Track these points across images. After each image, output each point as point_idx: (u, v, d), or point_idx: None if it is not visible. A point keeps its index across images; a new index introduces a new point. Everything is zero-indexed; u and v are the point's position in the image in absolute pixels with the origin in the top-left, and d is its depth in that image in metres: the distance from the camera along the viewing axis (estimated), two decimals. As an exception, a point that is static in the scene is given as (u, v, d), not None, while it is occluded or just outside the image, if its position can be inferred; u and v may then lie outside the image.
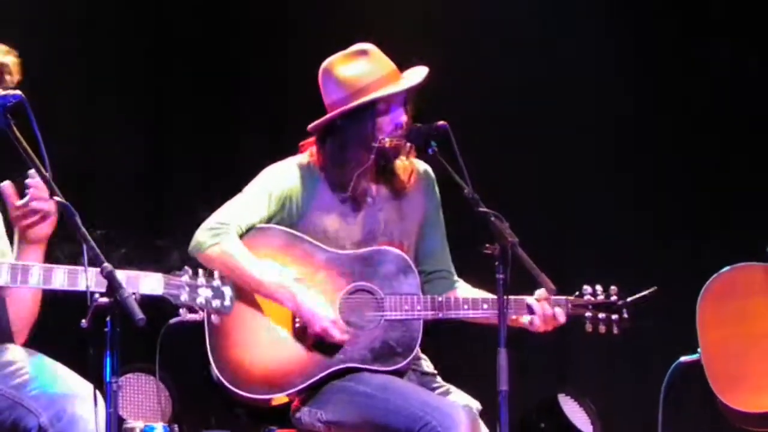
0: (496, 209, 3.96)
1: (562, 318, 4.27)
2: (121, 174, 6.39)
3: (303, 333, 4.26)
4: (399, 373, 4.28)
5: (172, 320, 4.48)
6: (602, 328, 4.35)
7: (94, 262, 3.24)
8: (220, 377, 4.19)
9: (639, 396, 5.90)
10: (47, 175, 3.40)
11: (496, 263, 3.85)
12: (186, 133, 6.58)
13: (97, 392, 3.30)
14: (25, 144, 3.47)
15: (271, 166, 4.47)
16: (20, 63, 3.78)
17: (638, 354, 6.19)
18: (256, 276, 4.23)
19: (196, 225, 4.36)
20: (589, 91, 6.59)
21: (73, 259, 3.45)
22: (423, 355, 4.46)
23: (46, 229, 3.63)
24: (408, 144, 4.33)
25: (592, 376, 6.46)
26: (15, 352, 3.63)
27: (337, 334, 4.21)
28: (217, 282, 3.72)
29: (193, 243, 4.31)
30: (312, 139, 4.45)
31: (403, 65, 4.44)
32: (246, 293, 4.26)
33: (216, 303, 3.70)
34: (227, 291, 3.73)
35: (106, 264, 3.20)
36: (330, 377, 4.25)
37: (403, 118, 4.33)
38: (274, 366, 4.24)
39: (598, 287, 4.37)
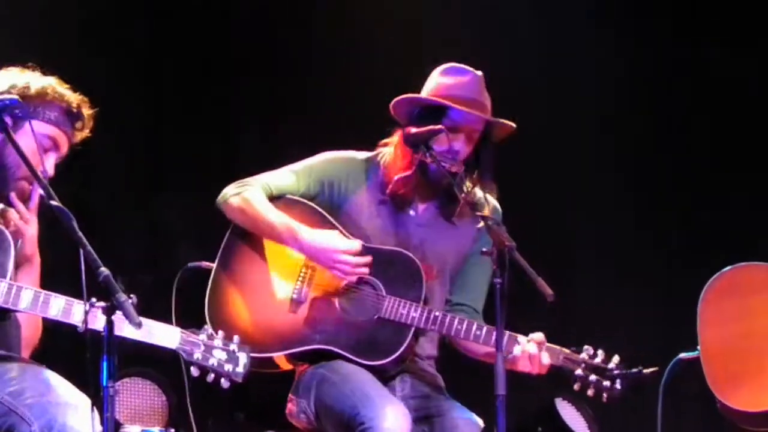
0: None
1: (546, 360, 4.15)
2: (119, 174, 6.40)
3: (298, 305, 4.26)
4: (387, 379, 4.27)
5: (190, 264, 4.49)
6: (590, 392, 4.18)
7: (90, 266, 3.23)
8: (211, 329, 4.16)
9: (637, 399, 5.89)
10: (44, 180, 3.41)
11: (494, 267, 3.83)
12: (185, 135, 6.57)
13: (93, 405, 3.30)
14: (21, 148, 3.47)
15: (331, 151, 4.48)
16: (93, 117, 3.84)
17: (635, 356, 6.17)
18: (269, 219, 4.26)
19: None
20: (589, 93, 6.59)
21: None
22: (437, 373, 4.43)
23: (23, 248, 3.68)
24: (461, 175, 4.27)
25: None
26: (16, 362, 3.64)
27: (347, 258, 4.20)
28: (234, 346, 3.70)
29: (219, 196, 4.36)
30: (393, 139, 4.41)
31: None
32: (258, 248, 4.30)
33: (228, 367, 3.68)
34: (242, 358, 3.70)
35: (103, 269, 3.19)
36: (307, 358, 4.25)
37: (460, 147, 4.27)
38: (260, 325, 4.24)
39: (600, 351, 4.18)
